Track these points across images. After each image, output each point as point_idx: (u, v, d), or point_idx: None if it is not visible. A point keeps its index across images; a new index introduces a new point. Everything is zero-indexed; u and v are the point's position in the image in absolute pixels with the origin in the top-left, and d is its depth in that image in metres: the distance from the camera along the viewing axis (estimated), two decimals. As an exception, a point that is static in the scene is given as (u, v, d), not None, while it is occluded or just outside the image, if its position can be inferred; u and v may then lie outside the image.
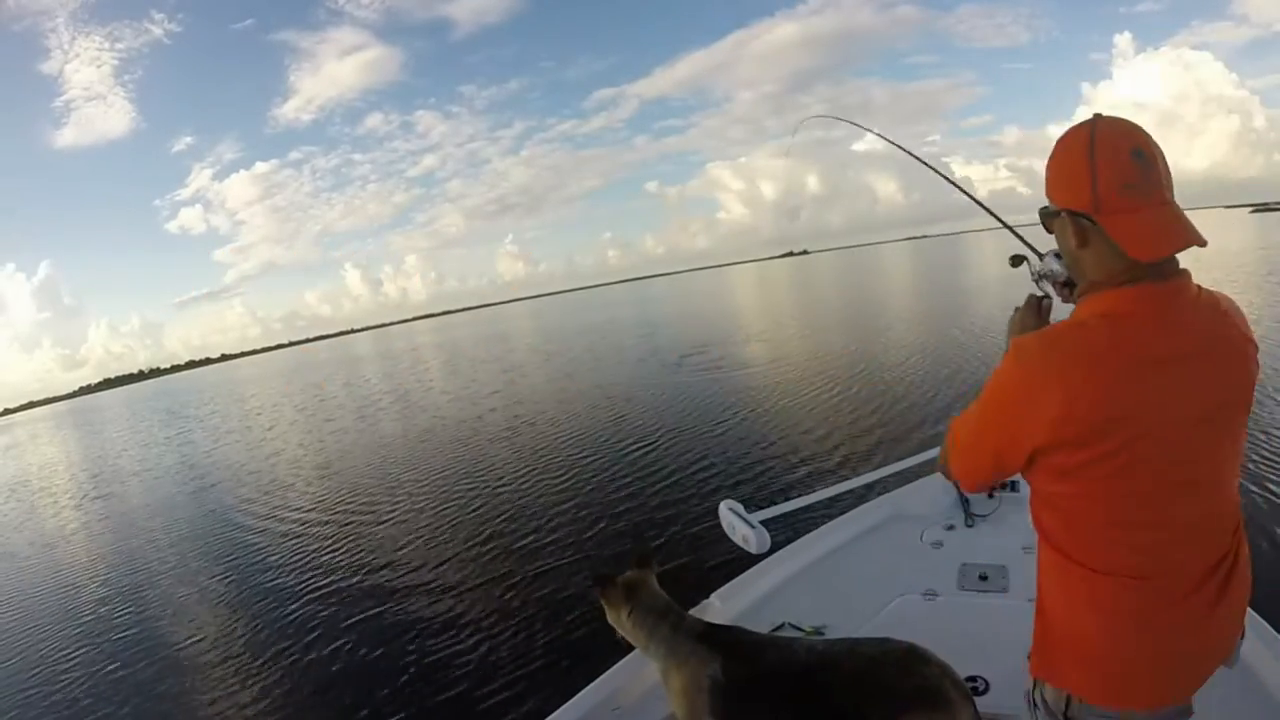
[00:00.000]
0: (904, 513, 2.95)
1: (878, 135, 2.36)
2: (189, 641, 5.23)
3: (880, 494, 3.10)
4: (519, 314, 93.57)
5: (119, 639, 5.51)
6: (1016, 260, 1.42)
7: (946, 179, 1.85)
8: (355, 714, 3.87)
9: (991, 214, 1.71)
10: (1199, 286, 1.07)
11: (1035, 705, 1.23)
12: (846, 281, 44.24)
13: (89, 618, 6.15)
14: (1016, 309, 1.34)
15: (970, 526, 2.77)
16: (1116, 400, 0.99)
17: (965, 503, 2.90)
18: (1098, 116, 1.06)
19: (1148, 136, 1.03)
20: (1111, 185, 1.01)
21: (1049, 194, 1.12)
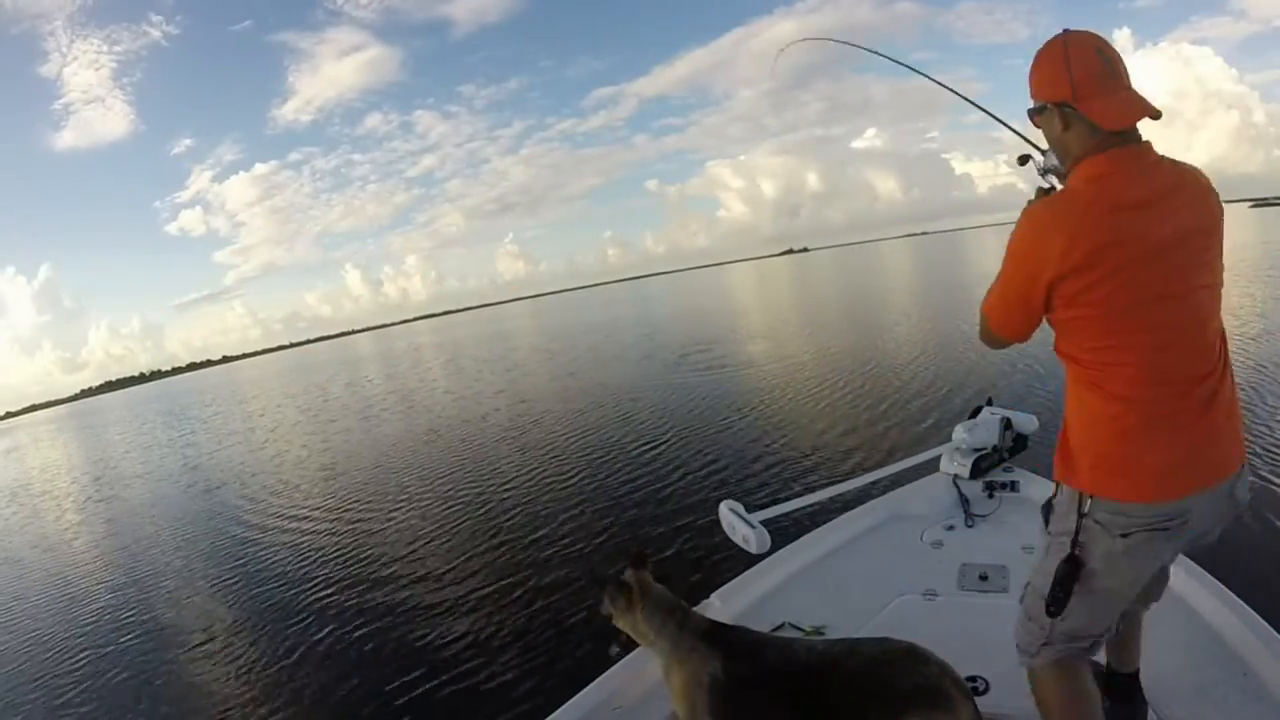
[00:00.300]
0: (904, 513, 2.96)
1: (869, 51, 2.55)
2: (194, 644, 5.24)
3: (880, 494, 3.11)
4: (520, 313, 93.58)
5: (123, 642, 5.53)
6: (1023, 159, 1.60)
7: (940, 84, 2.10)
8: (355, 714, 3.90)
9: (991, 115, 1.84)
10: (1162, 155, 1.35)
11: (1054, 508, 1.47)
12: (846, 279, 44.19)
13: (94, 621, 6.16)
14: (1029, 202, 1.48)
15: (970, 526, 2.78)
16: (1105, 234, 1.26)
17: (965, 502, 2.91)
18: (1066, 30, 1.37)
19: (1105, 41, 1.34)
20: (1084, 77, 1.31)
21: (1034, 94, 1.42)
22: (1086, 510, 1.38)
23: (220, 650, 5.03)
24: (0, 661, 5.63)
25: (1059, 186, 1.48)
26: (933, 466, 3.23)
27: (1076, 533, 1.39)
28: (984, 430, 3.17)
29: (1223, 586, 2.02)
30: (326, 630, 4.96)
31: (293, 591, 5.85)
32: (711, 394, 11.03)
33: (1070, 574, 1.41)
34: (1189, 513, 1.34)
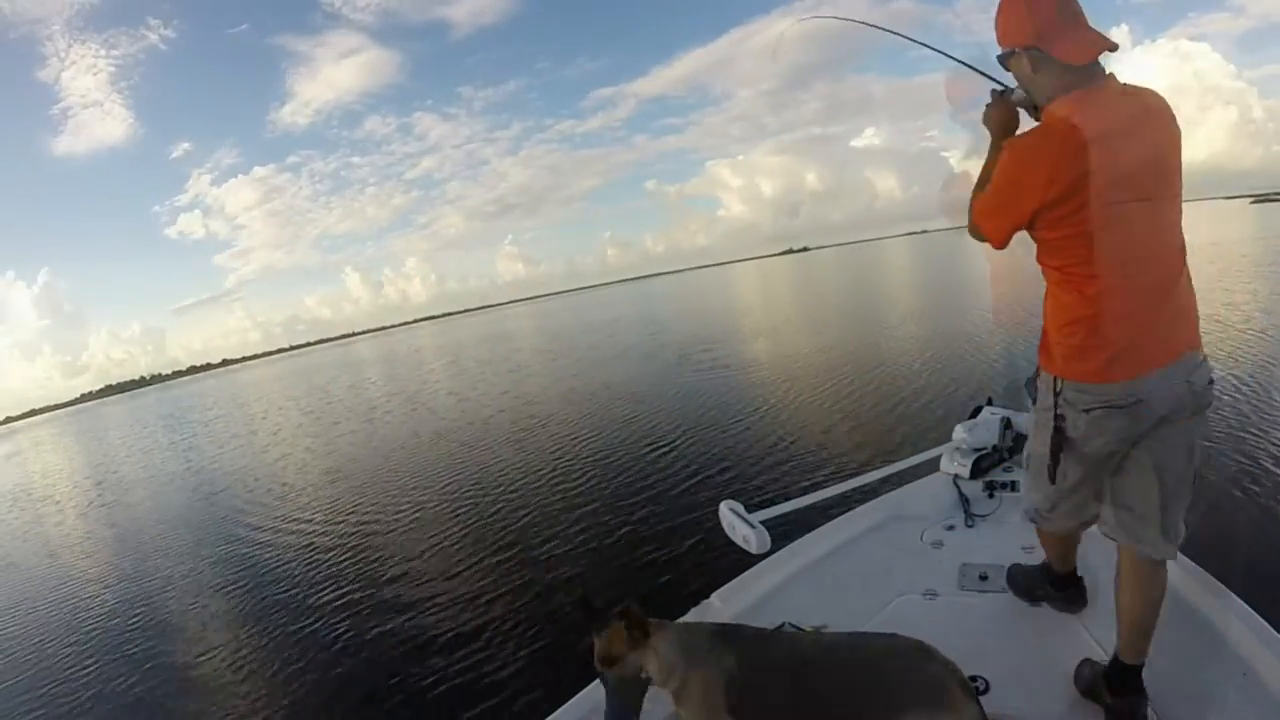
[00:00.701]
0: (904, 513, 2.94)
1: (867, 25, 2.62)
2: (197, 649, 5.25)
3: (880, 494, 3.10)
4: (520, 315, 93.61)
5: (128, 646, 5.54)
6: (1004, 92, 1.76)
7: (924, 44, 2.14)
8: (354, 713, 3.93)
9: (965, 64, 1.93)
10: (1124, 84, 1.52)
11: (1037, 389, 1.73)
12: (846, 278, 44.16)
13: (98, 626, 6.18)
14: (987, 105, 1.75)
15: (970, 526, 2.77)
16: (1081, 165, 1.43)
17: (965, 502, 2.90)
18: None
19: None
20: (1046, 20, 1.48)
21: (1001, 41, 1.58)
22: (1059, 390, 1.62)
23: (226, 653, 5.04)
24: (6, 667, 5.64)
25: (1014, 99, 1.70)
26: (933, 466, 3.22)
27: (1056, 409, 1.64)
28: (984, 430, 3.16)
29: (1223, 586, 2.01)
30: (330, 630, 4.99)
31: (296, 592, 5.87)
32: (711, 394, 11.03)
33: (1059, 443, 1.65)
34: (1141, 393, 1.53)
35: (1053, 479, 1.71)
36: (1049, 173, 1.46)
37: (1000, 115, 1.74)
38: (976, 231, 1.70)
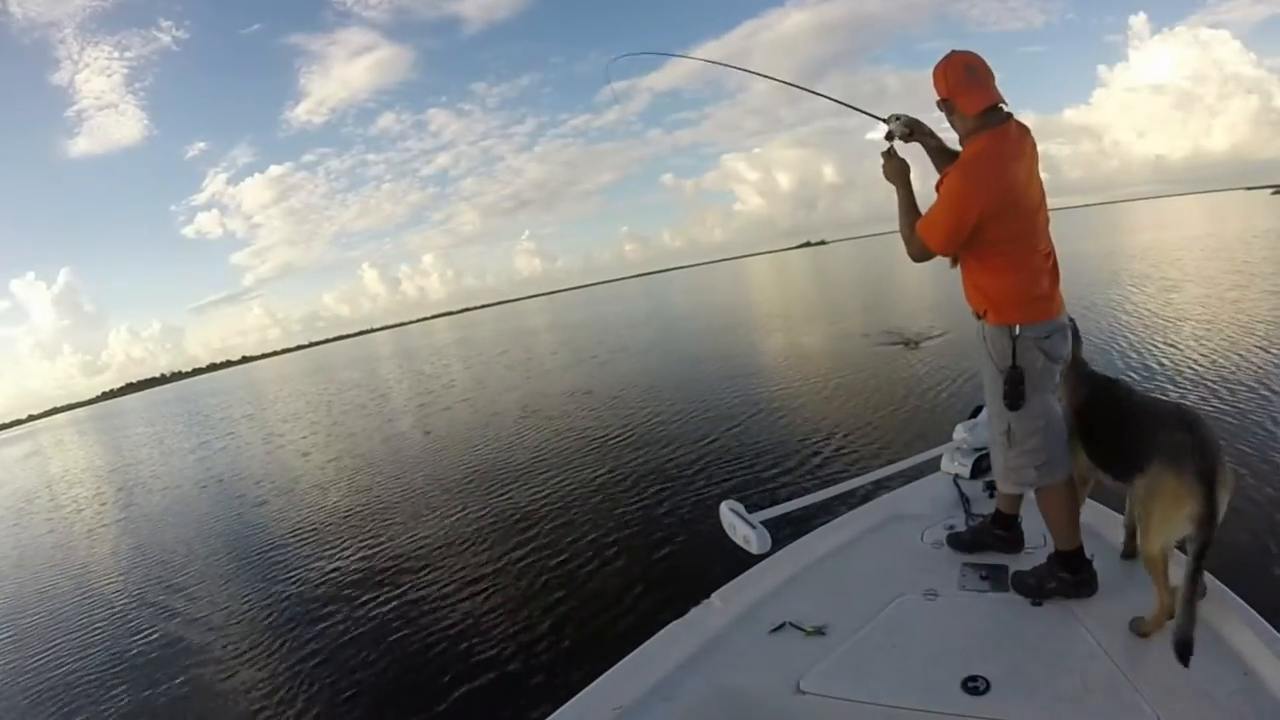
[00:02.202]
0: (904, 513, 2.95)
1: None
2: (217, 644, 5.32)
3: (881, 494, 3.10)
4: (537, 310, 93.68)
5: (146, 646, 5.61)
6: (888, 135, 2.38)
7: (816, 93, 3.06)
8: (353, 713, 3.97)
9: (849, 105, 2.71)
10: (1017, 121, 2.13)
11: (987, 339, 2.22)
12: (858, 274, 43.83)
13: (116, 624, 6.26)
14: (886, 159, 2.38)
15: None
16: (1006, 183, 2.06)
17: (966, 502, 2.90)
18: (952, 50, 2.15)
19: (977, 57, 2.12)
20: (955, 84, 2.11)
21: (939, 93, 2.15)
22: (1017, 334, 2.14)
23: (245, 651, 5.09)
24: (22, 668, 5.72)
25: (896, 145, 2.38)
26: (933, 466, 3.22)
27: (1013, 352, 2.13)
28: (984, 430, 3.15)
29: (1223, 586, 2.00)
30: (333, 625, 5.09)
31: (311, 589, 5.95)
32: (712, 393, 11.04)
33: (1018, 376, 2.14)
34: (1062, 326, 2.20)
35: (1009, 405, 2.16)
36: (990, 190, 2.05)
37: (896, 167, 2.36)
38: (922, 246, 2.23)
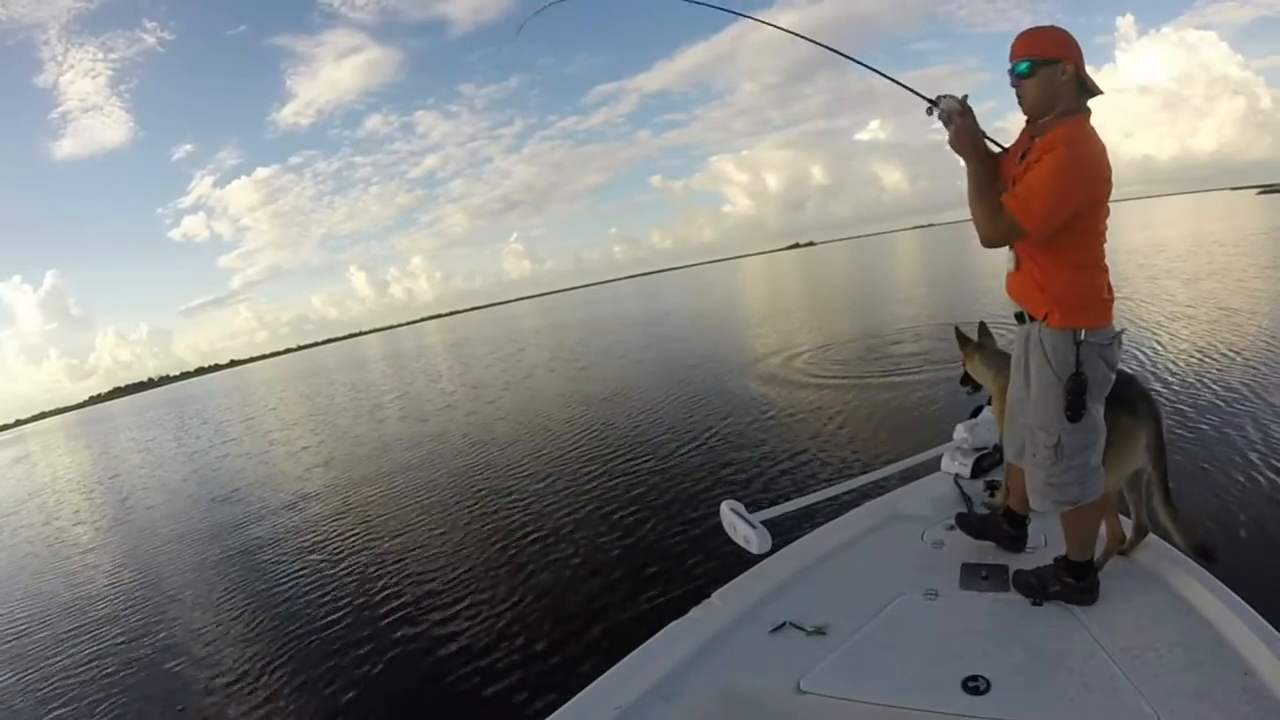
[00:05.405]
0: (904, 513, 2.95)
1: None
2: (212, 649, 5.28)
3: (881, 494, 3.10)
4: (526, 312, 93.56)
5: (137, 652, 5.56)
6: (930, 110, 2.13)
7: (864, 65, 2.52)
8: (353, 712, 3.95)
9: (901, 84, 2.34)
10: None
11: (1045, 344, 2.06)
12: (850, 274, 43.93)
13: (109, 630, 6.19)
14: (960, 118, 2.08)
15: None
16: (1107, 174, 1.94)
17: (967, 502, 2.90)
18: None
19: None
20: (1080, 52, 1.95)
21: (1043, 51, 1.95)
22: (1082, 339, 1.99)
23: (240, 652, 5.06)
24: (14, 672, 5.66)
25: (950, 126, 2.08)
26: (934, 466, 3.23)
27: (1077, 358, 1.99)
28: (985, 429, 3.16)
29: (1223, 586, 2.01)
30: (339, 624, 5.07)
31: (310, 590, 5.92)
32: (712, 393, 11.03)
33: (1081, 386, 1.99)
34: (1119, 335, 2.07)
35: (1071, 416, 2.02)
36: (1104, 175, 1.93)
37: (967, 126, 2.08)
38: (1015, 224, 1.96)
